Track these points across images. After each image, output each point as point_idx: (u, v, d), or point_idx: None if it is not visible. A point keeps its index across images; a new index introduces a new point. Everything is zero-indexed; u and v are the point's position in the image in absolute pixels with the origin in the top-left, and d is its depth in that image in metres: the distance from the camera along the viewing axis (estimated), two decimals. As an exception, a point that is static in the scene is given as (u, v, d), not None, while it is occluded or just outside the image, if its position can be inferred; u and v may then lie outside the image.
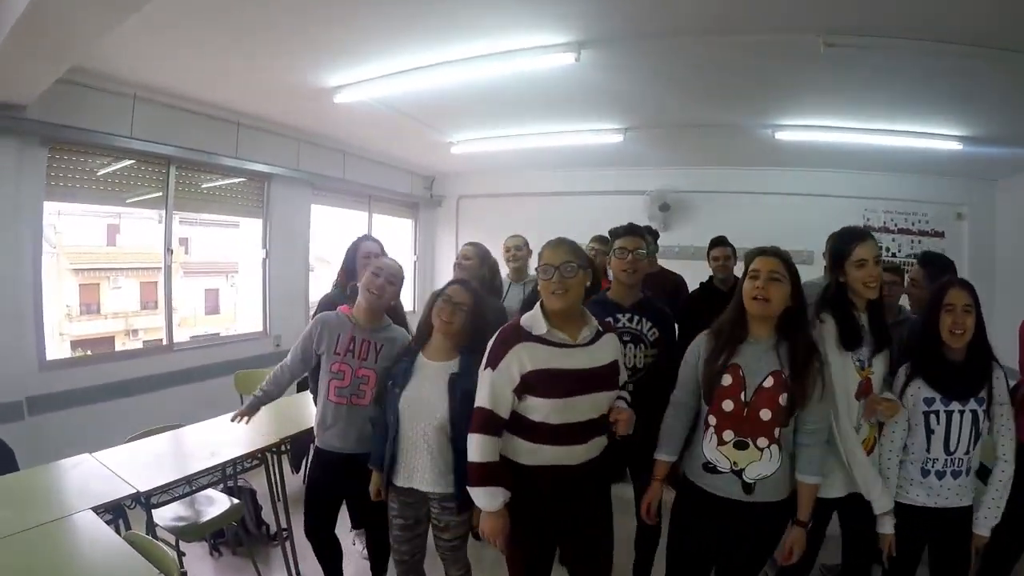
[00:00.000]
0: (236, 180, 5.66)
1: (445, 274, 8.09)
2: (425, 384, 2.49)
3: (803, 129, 5.37)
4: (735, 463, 2.16)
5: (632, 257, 2.88)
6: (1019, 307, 3.84)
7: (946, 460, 2.34)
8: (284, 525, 3.52)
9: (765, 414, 2.12)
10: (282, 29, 3.52)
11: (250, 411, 3.03)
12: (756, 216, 6.86)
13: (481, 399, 2.17)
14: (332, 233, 6.76)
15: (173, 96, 4.67)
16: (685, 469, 2.34)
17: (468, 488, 2.19)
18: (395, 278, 2.95)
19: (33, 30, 2.82)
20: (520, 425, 2.18)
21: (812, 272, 3.29)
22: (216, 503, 3.31)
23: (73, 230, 14.73)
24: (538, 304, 2.25)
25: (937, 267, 3.31)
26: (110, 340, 15.34)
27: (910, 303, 3.38)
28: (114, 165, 4.64)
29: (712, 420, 2.20)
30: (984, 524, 2.36)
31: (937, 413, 2.33)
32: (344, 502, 3.10)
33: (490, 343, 2.24)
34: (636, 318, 2.91)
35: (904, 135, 5.27)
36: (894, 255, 6.95)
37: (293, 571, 3.46)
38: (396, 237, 8.02)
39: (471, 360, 2.43)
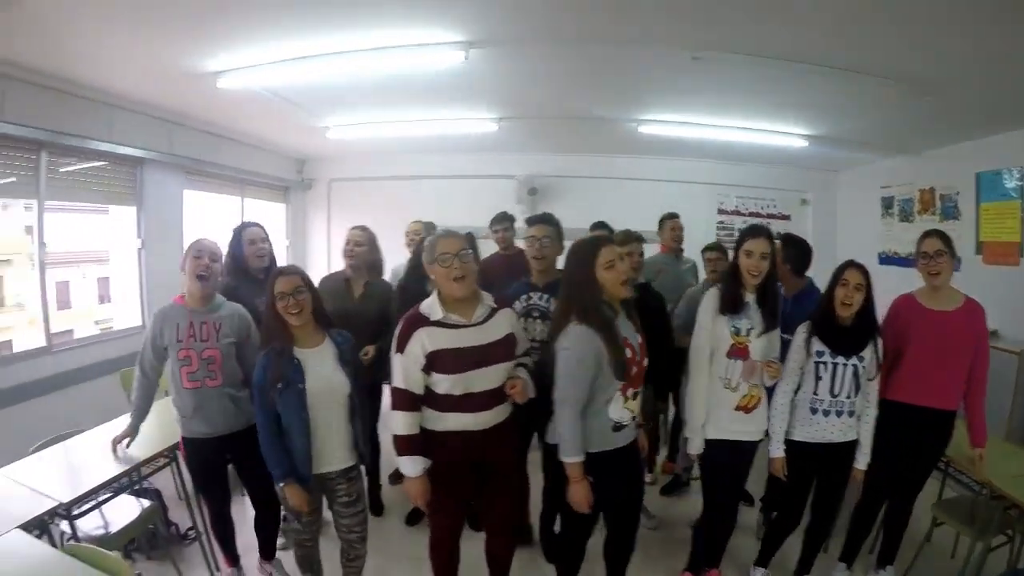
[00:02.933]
0: (102, 164, 5.24)
1: (318, 257, 8.26)
2: (320, 370, 2.60)
3: (664, 124, 5.85)
4: (633, 412, 2.61)
5: (539, 244, 3.21)
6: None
7: (830, 401, 2.95)
8: (195, 523, 3.53)
9: (646, 362, 2.63)
10: (166, 9, 3.33)
11: (133, 433, 3.16)
12: (619, 200, 7.35)
13: (397, 380, 2.48)
14: (204, 221, 6.42)
15: (45, 75, 4.27)
16: (589, 446, 2.55)
17: (396, 459, 2.52)
18: (216, 255, 3.05)
19: None
20: (430, 397, 2.50)
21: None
22: (126, 509, 3.21)
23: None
24: (435, 292, 2.54)
25: (795, 247, 3.66)
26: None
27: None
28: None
29: (620, 387, 2.52)
30: (861, 460, 3.04)
31: (825, 363, 2.93)
32: (246, 493, 3.28)
33: (396, 330, 2.50)
34: (547, 297, 3.18)
35: (757, 132, 5.92)
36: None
37: (213, 567, 3.47)
38: (268, 222, 7.77)
39: (340, 334, 2.76)
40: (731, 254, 3.10)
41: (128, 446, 3.14)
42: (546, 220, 3.33)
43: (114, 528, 3.04)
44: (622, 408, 2.51)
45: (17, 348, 4.77)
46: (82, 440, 3.35)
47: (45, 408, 4.37)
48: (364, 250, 3.92)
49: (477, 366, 2.45)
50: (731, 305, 2.89)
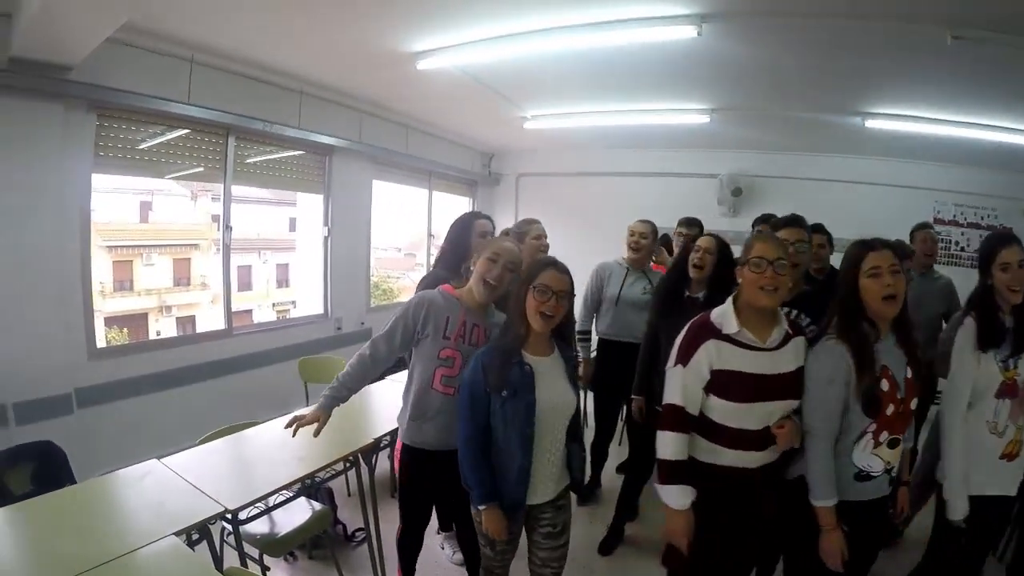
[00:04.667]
0: (296, 153, 5.36)
1: None
2: (550, 383, 2.24)
3: (896, 119, 5.23)
4: (888, 462, 2.12)
5: (792, 251, 2.59)
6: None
7: None
8: (370, 525, 3.21)
9: (914, 404, 2.13)
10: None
11: (325, 415, 2.49)
12: (828, 203, 6.50)
13: (673, 395, 2.14)
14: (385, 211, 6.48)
15: (234, 59, 4.31)
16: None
17: (658, 486, 2.16)
18: (515, 264, 2.54)
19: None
20: (701, 424, 2.15)
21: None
22: (295, 509, 2.96)
23: (105, 206, 14.65)
24: (729, 299, 2.17)
25: None
26: (143, 316, 15.40)
27: None
28: (168, 134, 4.28)
29: (871, 428, 2.07)
30: None
31: None
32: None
33: (679, 338, 2.18)
34: (795, 312, 2.67)
35: (996, 129, 5.16)
36: (963, 249, 6.92)
37: (380, 573, 3.18)
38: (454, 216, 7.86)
39: (563, 345, 2.38)
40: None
41: (316, 434, 2.49)
42: (795, 222, 2.83)
43: (281, 530, 2.82)
44: (871, 453, 2.08)
45: (200, 324, 4.89)
46: (255, 434, 3.13)
47: (223, 389, 4.41)
48: (647, 243, 3.81)
49: (765, 398, 2.08)
50: (994, 337, 2.39)
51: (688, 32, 3.48)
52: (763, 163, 7.18)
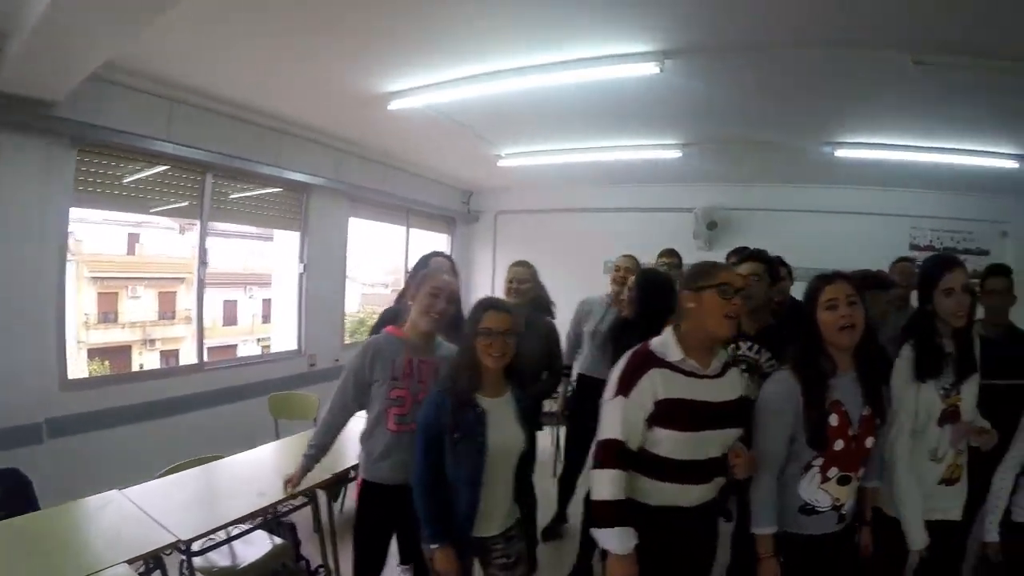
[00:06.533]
0: (273, 190, 5.43)
1: (483, 291, 7.85)
2: (501, 425, 2.27)
3: (865, 147, 5.26)
4: (837, 499, 2.09)
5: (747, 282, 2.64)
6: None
7: None
8: (328, 560, 3.28)
9: (869, 442, 2.10)
10: (341, 29, 3.29)
11: (303, 474, 2.79)
12: (804, 234, 6.66)
13: (611, 430, 2.01)
14: (368, 249, 6.53)
15: (214, 99, 4.41)
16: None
17: (594, 531, 2.02)
18: (454, 298, 2.72)
19: (58, 23, 2.62)
20: (642, 460, 2.03)
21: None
22: (255, 542, 3.00)
23: (93, 237, 14.68)
24: (669, 329, 2.10)
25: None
26: (127, 349, 15.33)
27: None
28: (147, 171, 4.34)
29: (818, 462, 2.06)
30: None
31: None
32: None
33: (617, 370, 2.08)
34: (756, 347, 2.73)
35: (966, 153, 5.16)
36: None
37: None
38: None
39: (514, 386, 2.40)
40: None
41: (295, 489, 2.83)
42: (756, 256, 2.90)
43: (241, 563, 2.84)
44: (818, 488, 2.06)
45: (184, 358, 4.93)
46: (218, 468, 3.18)
47: (193, 424, 4.44)
48: (528, 287, 3.65)
49: (710, 427, 2.00)
50: (934, 364, 2.30)
51: (650, 69, 3.54)
52: (737, 196, 7.23)
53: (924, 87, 3.72)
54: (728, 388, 2.07)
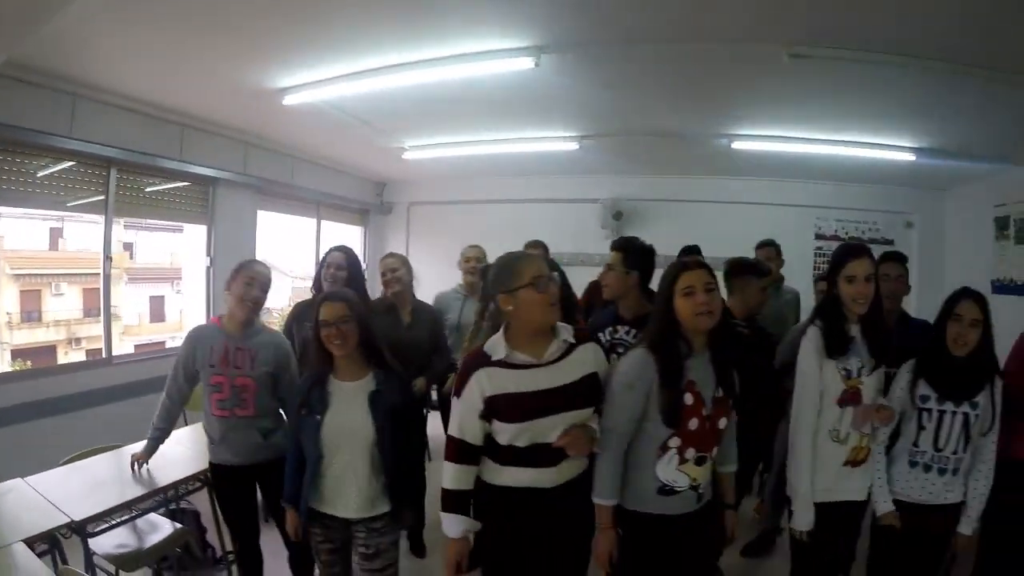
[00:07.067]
0: (180, 184, 5.42)
1: None
2: (343, 408, 2.38)
3: (759, 139, 5.39)
4: (695, 479, 2.15)
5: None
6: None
7: (933, 455, 2.52)
8: (225, 549, 3.38)
9: (722, 423, 2.17)
10: (233, 27, 3.34)
11: (148, 455, 3.05)
12: (711, 225, 6.83)
13: (452, 428, 2.17)
14: (281, 241, 6.50)
15: (115, 94, 4.42)
16: (625, 501, 2.19)
17: (440, 513, 2.15)
18: (267, 286, 2.94)
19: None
20: (491, 447, 2.15)
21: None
22: (159, 528, 3.15)
23: (13, 233, 14.24)
24: (503, 328, 2.17)
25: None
26: (52, 349, 14.91)
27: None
28: (52, 167, 4.36)
29: (675, 442, 2.10)
30: (965, 524, 2.56)
31: (930, 411, 2.52)
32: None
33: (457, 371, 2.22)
34: (633, 332, 2.87)
35: (860, 146, 5.34)
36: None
37: None
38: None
39: (387, 372, 2.46)
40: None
41: (141, 467, 3.05)
42: (618, 247, 3.06)
43: (144, 545, 2.98)
44: (675, 469, 2.12)
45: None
46: (116, 456, 3.29)
47: (101, 416, 4.50)
48: (404, 272, 3.73)
49: (545, 413, 2.06)
50: (838, 345, 2.45)
51: (526, 64, 3.59)
52: (642, 187, 7.38)
53: (805, 80, 3.80)
54: (570, 370, 2.13)
